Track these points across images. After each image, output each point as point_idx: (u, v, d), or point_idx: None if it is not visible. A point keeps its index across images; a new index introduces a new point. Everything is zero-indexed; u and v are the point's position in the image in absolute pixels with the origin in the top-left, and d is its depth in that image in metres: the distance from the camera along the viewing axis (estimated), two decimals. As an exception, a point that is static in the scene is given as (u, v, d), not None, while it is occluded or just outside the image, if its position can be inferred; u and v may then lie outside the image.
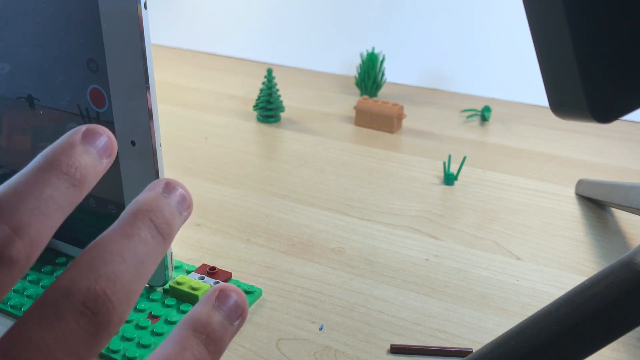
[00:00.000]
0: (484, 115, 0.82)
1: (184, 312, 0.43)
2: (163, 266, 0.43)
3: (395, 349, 0.41)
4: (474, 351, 0.35)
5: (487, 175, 0.66)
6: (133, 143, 0.40)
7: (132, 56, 0.38)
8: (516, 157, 0.71)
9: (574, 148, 0.74)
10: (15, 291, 0.45)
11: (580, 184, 0.62)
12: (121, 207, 0.43)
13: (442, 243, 0.54)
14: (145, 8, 0.36)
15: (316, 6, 1.01)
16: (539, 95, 0.88)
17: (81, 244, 0.47)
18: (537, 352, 0.30)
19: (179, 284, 0.44)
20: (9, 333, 0.17)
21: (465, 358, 0.34)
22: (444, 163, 0.65)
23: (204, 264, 0.48)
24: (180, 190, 0.22)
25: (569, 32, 0.25)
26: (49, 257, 0.49)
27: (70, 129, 0.21)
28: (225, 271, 0.47)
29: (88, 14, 0.38)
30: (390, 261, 0.51)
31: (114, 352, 0.40)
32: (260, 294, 0.46)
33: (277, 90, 0.80)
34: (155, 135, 0.39)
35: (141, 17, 0.36)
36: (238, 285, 0.46)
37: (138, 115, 0.39)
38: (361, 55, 0.88)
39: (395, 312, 0.45)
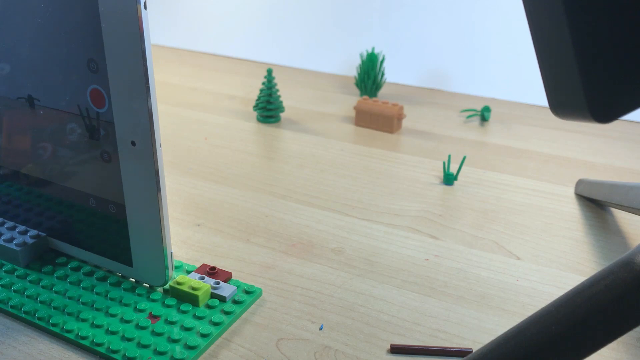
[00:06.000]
0: (484, 115, 0.82)
1: (184, 312, 0.43)
2: (163, 266, 0.43)
3: (395, 349, 0.41)
4: (474, 351, 0.35)
5: (487, 175, 0.66)
6: (133, 143, 0.40)
7: (132, 56, 0.38)
8: (516, 157, 0.71)
9: (574, 148, 0.74)
10: (15, 291, 0.45)
11: (580, 184, 0.62)
12: (121, 207, 0.43)
13: (442, 243, 0.54)
14: (145, 8, 0.36)
15: (316, 6, 1.01)
16: (539, 95, 0.88)
17: (81, 244, 0.47)
18: (537, 352, 0.30)
19: (179, 284, 0.44)
20: None
21: (465, 358, 0.34)
22: (444, 163, 0.65)
23: (204, 264, 0.48)
24: None
25: (569, 32, 0.25)
26: (49, 257, 0.49)
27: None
28: (225, 271, 0.47)
29: (88, 14, 0.38)
30: (390, 261, 0.51)
31: (114, 352, 0.40)
32: (260, 294, 0.46)
33: (277, 90, 0.80)
34: (155, 135, 0.39)
35: (141, 17, 0.36)
36: (238, 286, 0.46)
37: (138, 115, 0.39)
38: (361, 56, 0.88)
39: (395, 312, 0.45)
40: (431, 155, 0.71)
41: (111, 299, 0.44)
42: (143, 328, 0.42)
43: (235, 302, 0.44)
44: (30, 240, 0.48)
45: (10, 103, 0.46)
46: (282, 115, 0.82)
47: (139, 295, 0.45)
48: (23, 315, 0.43)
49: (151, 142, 0.39)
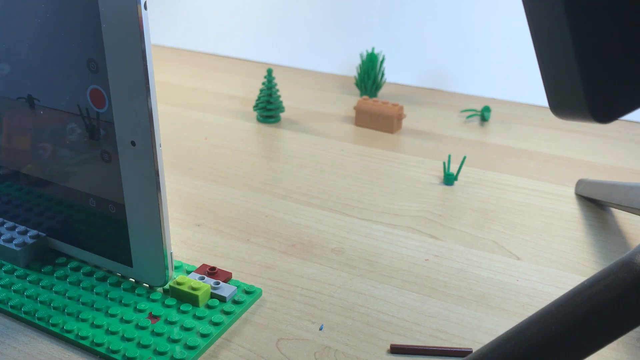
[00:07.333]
0: (484, 115, 0.82)
1: (184, 312, 0.43)
2: (163, 266, 0.43)
3: (395, 349, 0.41)
4: (474, 351, 0.35)
5: (487, 175, 0.66)
6: (133, 143, 0.40)
7: (132, 56, 0.38)
8: (516, 157, 0.71)
9: (574, 148, 0.74)
10: (15, 291, 0.45)
11: (580, 184, 0.62)
12: (121, 207, 0.43)
13: (442, 243, 0.53)
14: (145, 8, 0.36)
15: (316, 6, 1.01)
16: (539, 95, 0.88)
17: (81, 244, 0.47)
18: (537, 353, 0.30)
19: (179, 284, 0.44)
20: None
21: (465, 358, 0.34)
22: (444, 163, 0.65)
23: (204, 264, 0.48)
24: None
25: (569, 32, 0.25)
26: (49, 257, 0.49)
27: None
28: (225, 271, 0.47)
29: (88, 14, 0.38)
30: (390, 261, 0.51)
31: (114, 352, 0.40)
32: (260, 294, 0.46)
33: (277, 90, 0.80)
34: (155, 135, 0.39)
35: (141, 17, 0.36)
36: (238, 286, 0.46)
37: (138, 115, 0.39)
38: (361, 56, 0.88)
39: (395, 312, 0.45)
40: (431, 155, 0.71)
41: (111, 299, 0.44)
42: (143, 328, 0.42)
43: (235, 302, 0.44)
44: (30, 241, 0.48)
45: (10, 103, 0.46)
46: (282, 115, 0.82)
47: (138, 295, 0.45)
48: (23, 315, 0.43)
49: (151, 142, 0.39)
